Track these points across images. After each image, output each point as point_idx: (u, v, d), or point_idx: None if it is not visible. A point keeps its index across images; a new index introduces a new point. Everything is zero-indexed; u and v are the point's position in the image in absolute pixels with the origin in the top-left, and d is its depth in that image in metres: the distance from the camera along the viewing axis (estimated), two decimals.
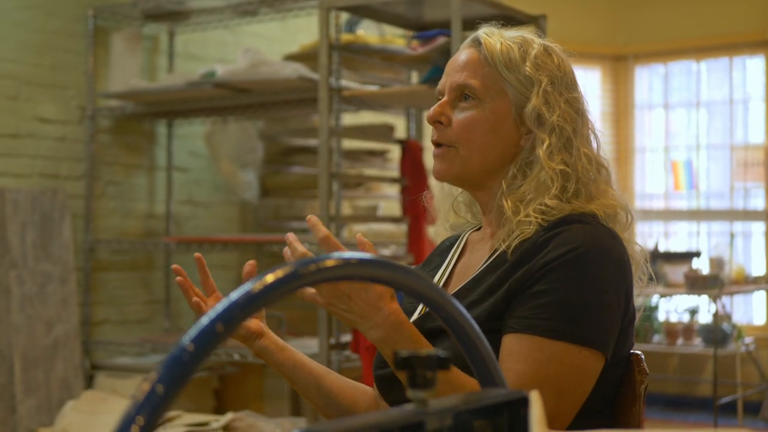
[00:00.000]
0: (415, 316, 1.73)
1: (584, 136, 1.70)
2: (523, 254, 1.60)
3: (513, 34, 1.74)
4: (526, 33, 1.76)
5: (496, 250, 1.66)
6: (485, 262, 1.68)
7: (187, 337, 0.81)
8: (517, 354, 1.54)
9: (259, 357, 1.76)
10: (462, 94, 1.71)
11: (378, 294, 1.52)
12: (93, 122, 4.88)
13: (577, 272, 1.56)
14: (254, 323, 1.75)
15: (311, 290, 1.56)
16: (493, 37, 1.72)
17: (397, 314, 1.52)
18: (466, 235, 1.84)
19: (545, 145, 1.65)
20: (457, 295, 1.66)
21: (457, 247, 1.83)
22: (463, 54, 1.74)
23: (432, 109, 1.73)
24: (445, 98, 1.73)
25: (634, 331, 1.68)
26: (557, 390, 1.53)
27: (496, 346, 1.57)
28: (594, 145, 1.73)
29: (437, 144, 1.73)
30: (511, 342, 1.56)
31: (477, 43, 1.73)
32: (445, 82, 1.74)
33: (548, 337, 1.53)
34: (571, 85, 1.72)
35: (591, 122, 1.74)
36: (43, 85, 4.73)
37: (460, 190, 1.83)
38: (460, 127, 1.69)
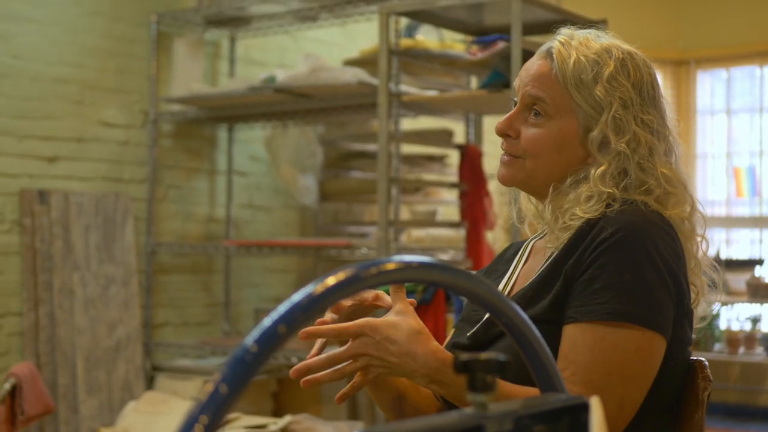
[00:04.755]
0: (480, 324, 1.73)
1: (661, 154, 1.67)
2: (573, 241, 1.61)
3: (592, 43, 1.70)
4: (606, 39, 1.72)
5: (551, 255, 1.67)
6: (542, 265, 1.68)
7: (251, 338, 0.82)
8: (581, 345, 1.54)
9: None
10: (532, 107, 1.69)
11: (406, 336, 1.50)
12: (155, 126, 4.94)
13: (625, 253, 1.55)
14: None
15: (352, 366, 1.51)
16: (569, 49, 1.68)
17: (435, 354, 1.49)
18: (532, 243, 1.84)
19: (601, 169, 1.64)
20: (517, 297, 1.66)
21: (522, 254, 1.83)
22: (536, 64, 1.72)
23: (501, 121, 1.73)
24: (514, 110, 1.72)
25: (690, 325, 1.65)
26: (625, 376, 1.52)
27: (558, 337, 1.57)
28: (672, 158, 1.70)
29: (506, 153, 1.73)
30: (573, 333, 1.55)
31: (550, 55, 1.70)
32: (518, 86, 1.73)
33: (608, 321, 1.53)
34: (649, 100, 1.69)
35: (671, 136, 1.71)
36: (107, 90, 4.79)
37: None
38: (528, 143, 1.69)
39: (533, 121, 1.69)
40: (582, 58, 1.67)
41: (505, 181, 1.74)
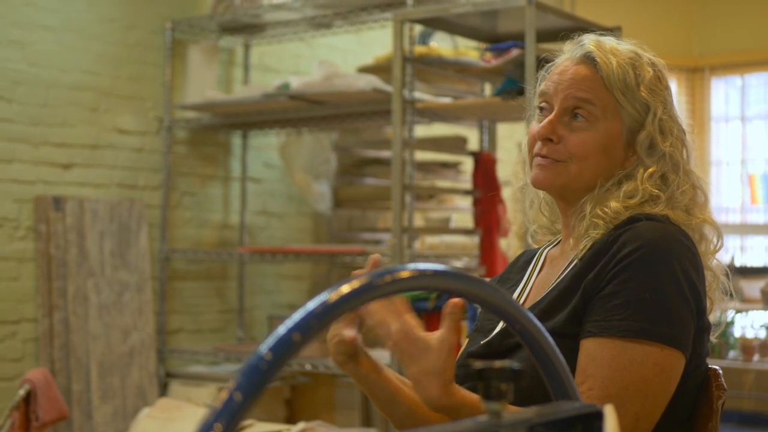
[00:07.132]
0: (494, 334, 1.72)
1: (689, 160, 1.70)
2: (593, 255, 1.60)
3: (620, 48, 1.71)
4: (627, 45, 1.73)
5: (571, 262, 1.66)
6: (562, 273, 1.68)
7: (265, 346, 0.82)
8: (600, 359, 1.53)
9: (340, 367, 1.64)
10: (573, 111, 1.68)
11: (425, 372, 1.43)
12: (170, 133, 4.95)
13: (647, 270, 1.55)
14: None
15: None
16: (606, 54, 1.68)
17: (440, 400, 1.44)
18: (545, 252, 1.83)
19: (649, 171, 1.66)
20: (534, 306, 1.66)
21: (536, 263, 1.82)
22: (573, 68, 1.71)
23: (541, 125, 1.70)
24: (554, 114, 1.69)
25: (708, 339, 1.65)
26: (642, 392, 1.52)
27: (575, 350, 1.57)
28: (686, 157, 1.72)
29: (545, 157, 1.70)
30: (591, 347, 1.55)
31: (591, 60, 1.69)
32: (553, 90, 1.71)
33: (627, 338, 1.52)
34: (672, 103, 1.72)
35: (687, 136, 1.73)
36: (121, 97, 4.81)
37: (543, 193, 1.82)
38: (576, 147, 1.67)
39: (577, 124, 1.68)
40: (622, 62, 1.68)
41: (543, 184, 1.71)
